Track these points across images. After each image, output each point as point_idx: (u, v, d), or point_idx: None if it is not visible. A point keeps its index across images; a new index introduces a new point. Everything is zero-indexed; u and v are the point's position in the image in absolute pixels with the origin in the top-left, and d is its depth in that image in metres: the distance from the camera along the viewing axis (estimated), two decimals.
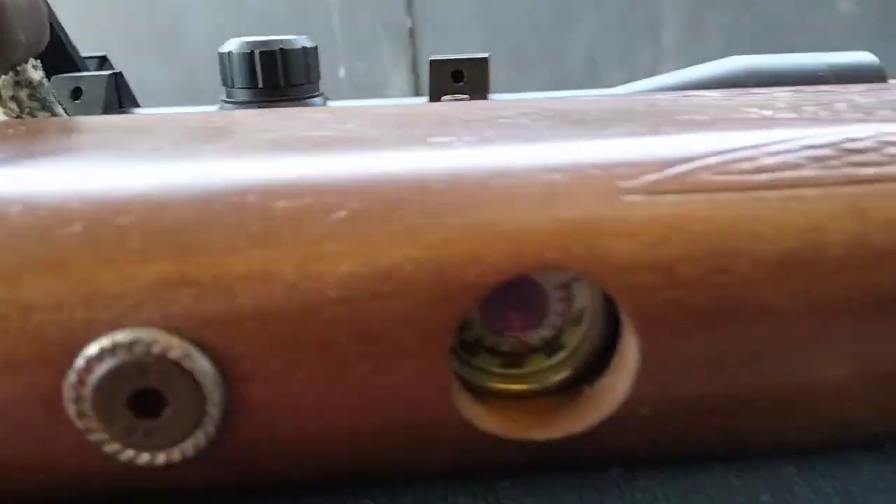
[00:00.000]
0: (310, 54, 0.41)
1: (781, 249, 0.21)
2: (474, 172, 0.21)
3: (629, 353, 0.22)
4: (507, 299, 0.25)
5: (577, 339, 0.25)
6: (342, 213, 0.20)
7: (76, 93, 0.40)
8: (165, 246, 0.19)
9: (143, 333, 0.19)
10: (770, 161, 0.22)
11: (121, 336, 0.19)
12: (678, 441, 0.23)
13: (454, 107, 0.30)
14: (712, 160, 0.22)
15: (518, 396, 0.25)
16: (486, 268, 0.20)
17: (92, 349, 0.19)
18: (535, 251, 0.20)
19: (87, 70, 0.43)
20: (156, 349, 0.19)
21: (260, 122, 0.26)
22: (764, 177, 0.22)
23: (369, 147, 0.23)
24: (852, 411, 0.24)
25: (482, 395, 0.25)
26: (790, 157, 0.22)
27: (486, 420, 0.23)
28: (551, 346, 0.25)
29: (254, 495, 0.23)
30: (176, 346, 0.19)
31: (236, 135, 0.25)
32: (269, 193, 0.20)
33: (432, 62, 0.43)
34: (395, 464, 0.22)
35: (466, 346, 0.25)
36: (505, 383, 0.25)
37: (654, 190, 0.21)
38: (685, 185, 0.21)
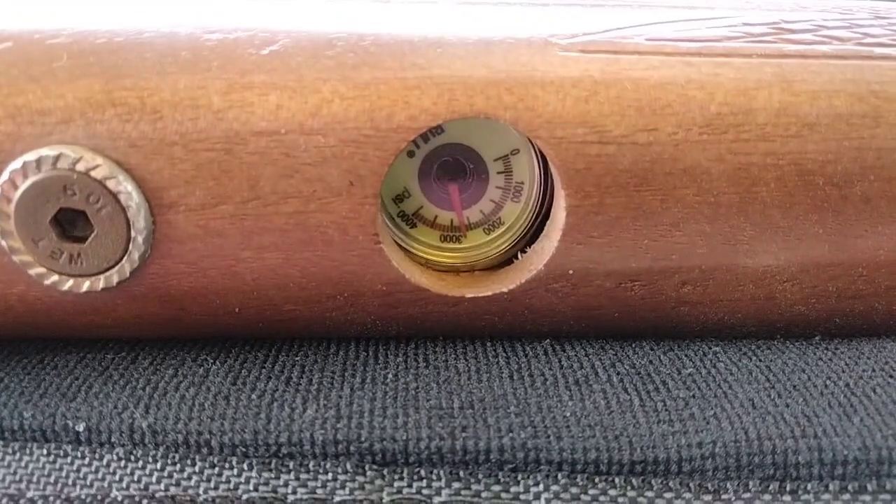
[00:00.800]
0: None
1: (709, 112, 0.21)
2: (411, 22, 0.21)
3: (558, 213, 0.22)
4: (448, 171, 0.25)
5: (516, 214, 0.26)
6: (273, 47, 0.20)
7: None
8: (94, 66, 0.19)
9: (69, 150, 0.19)
10: (706, 32, 0.23)
11: (46, 151, 0.19)
12: (604, 308, 0.24)
13: None
14: (648, 27, 0.22)
15: (455, 270, 0.26)
16: (415, 111, 0.20)
17: (17, 163, 0.19)
18: (467, 98, 0.20)
19: None
20: (81, 166, 0.19)
21: None
22: (697, 45, 0.22)
23: None
24: (779, 291, 0.24)
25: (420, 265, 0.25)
26: (726, 31, 0.23)
27: (416, 274, 0.23)
28: (491, 222, 0.26)
29: (188, 344, 0.24)
30: (102, 165, 0.19)
31: None
32: (201, 27, 0.20)
33: None
34: (324, 310, 0.23)
35: (406, 218, 0.26)
36: (443, 257, 0.26)
37: (588, 49, 0.21)
38: (619, 47, 0.22)
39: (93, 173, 0.19)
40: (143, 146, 0.19)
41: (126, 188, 0.19)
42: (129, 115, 0.19)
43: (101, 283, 0.20)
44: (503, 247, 0.26)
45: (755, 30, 0.23)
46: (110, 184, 0.19)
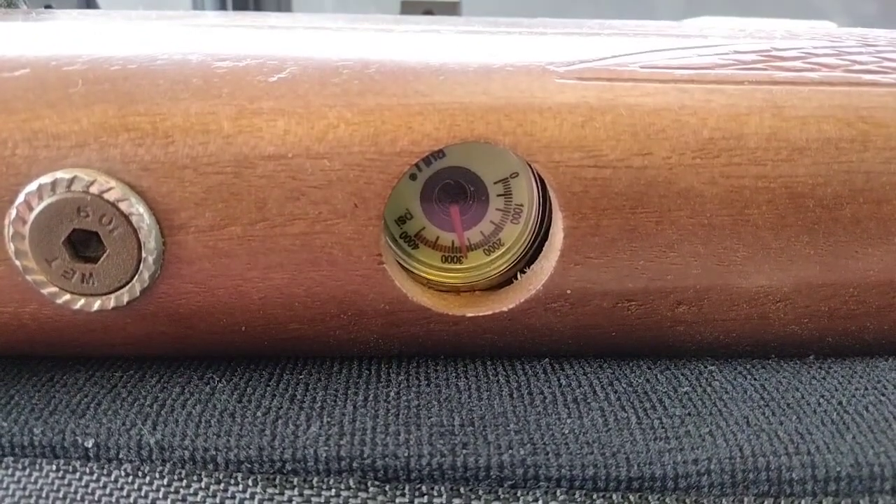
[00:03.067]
0: None
1: (702, 137, 0.22)
2: (414, 50, 0.22)
3: (556, 234, 0.23)
4: (449, 193, 0.26)
5: (515, 235, 0.26)
6: (281, 75, 0.21)
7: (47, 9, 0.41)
8: (108, 92, 0.20)
9: (83, 173, 0.20)
10: (698, 60, 0.23)
11: (61, 174, 0.20)
12: (601, 327, 0.24)
13: (417, 17, 0.31)
14: (643, 55, 0.23)
15: (456, 290, 0.26)
16: (418, 136, 0.21)
17: (32, 185, 0.20)
18: (467, 123, 0.21)
19: None
20: (94, 189, 0.20)
21: (216, 14, 0.27)
22: (690, 72, 0.23)
23: (316, 28, 0.24)
24: (772, 311, 0.25)
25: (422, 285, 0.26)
26: (718, 59, 0.23)
27: (418, 294, 0.24)
28: (491, 243, 0.26)
29: (194, 362, 0.24)
30: (115, 188, 0.20)
31: (189, 18, 0.26)
32: (212, 54, 0.21)
33: (403, 2, 0.44)
34: (328, 329, 0.23)
35: (408, 239, 0.26)
36: (445, 277, 0.26)
37: (584, 76, 0.22)
38: (614, 74, 0.22)
39: (106, 195, 0.20)
40: (154, 169, 0.20)
41: (138, 210, 0.20)
42: (142, 139, 0.20)
43: (111, 302, 0.21)
44: (503, 267, 0.26)
45: (746, 57, 0.24)
46: (123, 206, 0.20)
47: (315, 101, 0.21)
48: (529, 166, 0.24)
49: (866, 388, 0.24)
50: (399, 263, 0.25)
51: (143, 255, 0.20)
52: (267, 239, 0.21)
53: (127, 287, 0.21)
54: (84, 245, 0.21)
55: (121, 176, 0.20)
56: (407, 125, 0.21)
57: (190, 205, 0.21)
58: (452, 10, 0.44)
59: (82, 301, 0.21)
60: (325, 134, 0.21)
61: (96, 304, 0.21)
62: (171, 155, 0.20)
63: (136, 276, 0.21)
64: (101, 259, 0.20)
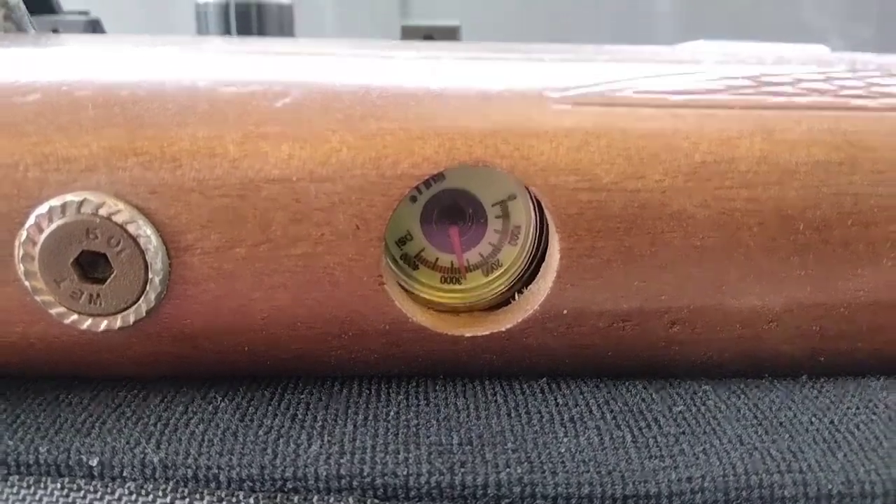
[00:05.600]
0: (284, 11, 0.43)
1: (693, 160, 0.23)
2: (414, 76, 0.23)
3: (553, 255, 0.24)
4: (448, 215, 0.26)
5: (513, 256, 0.27)
6: (286, 100, 0.21)
7: (55, 33, 0.41)
8: (118, 117, 0.21)
9: (93, 196, 0.20)
10: (691, 86, 0.24)
11: (71, 196, 0.20)
12: (597, 347, 0.25)
13: (418, 42, 0.32)
14: (636, 81, 0.24)
15: (455, 310, 0.27)
16: (418, 159, 0.22)
17: (43, 208, 0.20)
18: (466, 147, 0.22)
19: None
20: (103, 211, 0.20)
21: (223, 40, 0.28)
22: (682, 97, 0.23)
23: (320, 54, 0.25)
24: (765, 331, 0.25)
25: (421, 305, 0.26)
26: (709, 84, 0.24)
27: (418, 314, 0.24)
28: (489, 264, 0.27)
29: (197, 382, 0.24)
30: (123, 210, 0.20)
31: (195, 44, 0.26)
32: (219, 80, 0.22)
33: (404, 27, 0.44)
34: (329, 348, 0.24)
35: (409, 260, 0.27)
36: (444, 297, 0.27)
37: (580, 101, 0.23)
38: (609, 100, 0.23)
39: (114, 218, 0.20)
40: (162, 192, 0.21)
41: (145, 232, 0.21)
42: (150, 163, 0.21)
43: (118, 322, 0.21)
44: (501, 288, 0.27)
45: (737, 83, 0.24)
46: (130, 228, 0.20)
47: (318, 126, 0.21)
48: (527, 189, 0.25)
49: (858, 407, 0.24)
50: (399, 284, 0.26)
51: (150, 276, 0.21)
52: (271, 260, 0.22)
53: (133, 307, 0.21)
54: (92, 266, 0.21)
55: (129, 199, 0.21)
56: (408, 149, 0.21)
57: (196, 227, 0.21)
58: (452, 34, 0.45)
59: (89, 321, 0.21)
60: (329, 158, 0.21)
61: (103, 325, 0.21)
62: (178, 178, 0.21)
63: (143, 297, 0.21)
64: (109, 280, 0.21)
